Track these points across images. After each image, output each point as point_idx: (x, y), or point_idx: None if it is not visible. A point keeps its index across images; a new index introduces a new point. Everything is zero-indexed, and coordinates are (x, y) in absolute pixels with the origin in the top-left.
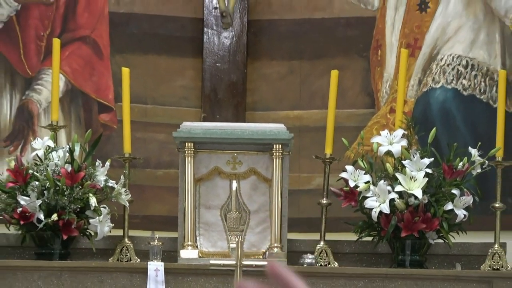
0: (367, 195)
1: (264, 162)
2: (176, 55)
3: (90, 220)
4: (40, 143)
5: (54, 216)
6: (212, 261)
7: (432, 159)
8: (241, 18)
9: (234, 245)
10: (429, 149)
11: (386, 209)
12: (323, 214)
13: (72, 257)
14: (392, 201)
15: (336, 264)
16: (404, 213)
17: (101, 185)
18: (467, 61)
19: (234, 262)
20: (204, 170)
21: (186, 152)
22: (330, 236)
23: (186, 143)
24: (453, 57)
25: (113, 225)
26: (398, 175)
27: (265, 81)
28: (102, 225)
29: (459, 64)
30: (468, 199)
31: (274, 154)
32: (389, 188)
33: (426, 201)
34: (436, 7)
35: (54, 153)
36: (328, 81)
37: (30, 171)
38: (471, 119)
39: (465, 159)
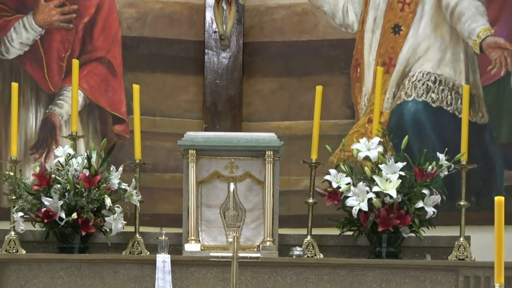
0: (348, 195)
1: (258, 166)
2: (180, 73)
3: (106, 218)
4: (61, 151)
5: (74, 215)
6: (212, 254)
7: (405, 163)
8: (237, 41)
9: (232, 239)
10: (402, 154)
11: (365, 207)
12: (310, 211)
13: (90, 250)
14: (370, 200)
15: (321, 256)
16: (381, 211)
17: (115, 188)
18: (435, 77)
19: (231, 254)
20: (205, 174)
21: (190, 158)
22: (316, 231)
23: (190, 150)
24: (423, 74)
25: (126, 222)
26: (375, 177)
27: (258, 96)
28: (116, 223)
29: (428, 80)
30: (437, 198)
31: (267, 159)
32: (367, 188)
33: (400, 200)
34: (408, 30)
35: (74, 159)
36: (314, 96)
37: (53, 175)
38: (439, 128)
39: (434, 163)
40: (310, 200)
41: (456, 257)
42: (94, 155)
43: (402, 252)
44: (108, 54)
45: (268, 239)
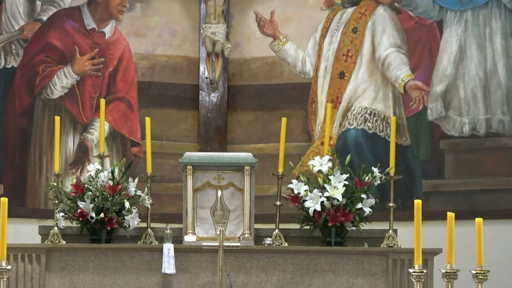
0: (306, 199)
1: (239, 178)
2: (181, 109)
3: (125, 217)
4: (92, 167)
5: (102, 215)
6: (204, 243)
7: (348, 175)
8: (223, 84)
9: (219, 232)
10: (346, 168)
11: (318, 208)
12: (277, 211)
13: (113, 241)
14: (322, 202)
15: (286, 244)
16: (330, 210)
17: (132, 194)
18: (371, 111)
19: (218, 244)
20: (199, 183)
21: (188, 172)
22: (282, 226)
23: (188, 166)
24: (361, 108)
25: (140, 220)
26: (326, 185)
27: (239, 125)
28: (133, 220)
29: (365, 113)
30: (372, 201)
31: (245, 172)
32: (320, 194)
33: (344, 202)
34: (350, 76)
35: (101, 173)
36: (280, 125)
37: (86, 185)
38: (373, 149)
39: (370, 174)
40: (278, 203)
41: (386, 245)
42: (116, 170)
43: (346, 241)
44: (127, 95)
45: (247, 232)
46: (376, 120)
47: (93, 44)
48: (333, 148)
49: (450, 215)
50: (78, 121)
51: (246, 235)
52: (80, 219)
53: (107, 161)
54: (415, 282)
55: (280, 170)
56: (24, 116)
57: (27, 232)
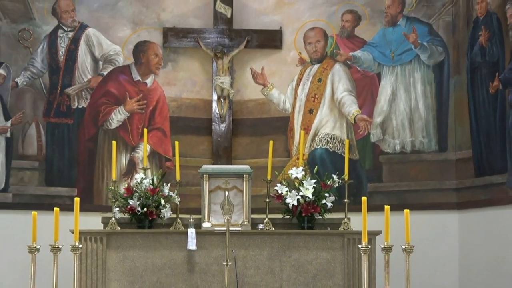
0: (287, 197)
1: (240, 182)
2: (199, 135)
3: (161, 210)
4: (139, 176)
5: (145, 209)
6: (216, 228)
7: (316, 180)
8: (229, 118)
9: (226, 221)
10: (314, 175)
11: (295, 203)
12: (267, 206)
13: (153, 227)
14: (298, 199)
15: (273, 228)
16: (304, 205)
17: (166, 194)
18: (331, 136)
19: (226, 228)
20: (213, 187)
21: (204, 179)
22: (270, 216)
23: (204, 175)
24: (325, 134)
25: (172, 212)
26: (300, 187)
27: (240, 146)
28: (167, 212)
29: (328, 137)
30: (332, 198)
31: (244, 179)
32: (296, 193)
33: (313, 199)
34: (317, 111)
35: (145, 180)
36: (269, 146)
37: (134, 188)
38: (333, 162)
39: (331, 180)
40: (267, 200)
41: (343, 228)
42: (155, 178)
43: (315, 226)
44: (163, 126)
45: (246, 220)
46: (335, 142)
47: (139, 91)
48: (305, 161)
49: (387, 207)
50: (128, 144)
51: (245, 222)
52: (130, 212)
53: (149, 172)
54: (363, 255)
55: (269, 177)
56: (91, 141)
57: (93, 222)
